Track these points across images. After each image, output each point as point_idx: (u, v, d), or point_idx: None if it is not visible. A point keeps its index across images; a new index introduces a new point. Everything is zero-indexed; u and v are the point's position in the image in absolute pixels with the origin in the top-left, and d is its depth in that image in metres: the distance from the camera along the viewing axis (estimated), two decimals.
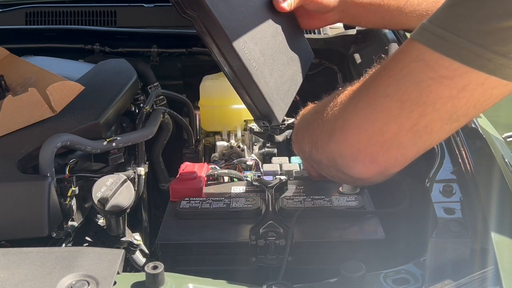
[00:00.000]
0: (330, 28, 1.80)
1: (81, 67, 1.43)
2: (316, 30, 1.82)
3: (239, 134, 1.51)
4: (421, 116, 0.78)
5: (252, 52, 1.06)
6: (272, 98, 1.09)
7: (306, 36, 1.72)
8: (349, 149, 0.84)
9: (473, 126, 1.13)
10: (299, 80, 1.25)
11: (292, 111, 1.24)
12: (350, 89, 0.89)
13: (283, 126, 1.48)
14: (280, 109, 1.13)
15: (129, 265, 1.26)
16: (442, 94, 0.75)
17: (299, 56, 1.27)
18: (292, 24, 1.29)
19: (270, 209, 1.02)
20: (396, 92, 0.79)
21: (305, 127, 0.97)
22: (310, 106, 1.04)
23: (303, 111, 1.04)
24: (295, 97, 1.26)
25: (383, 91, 0.80)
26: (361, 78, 0.88)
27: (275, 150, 1.52)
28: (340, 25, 1.83)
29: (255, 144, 1.54)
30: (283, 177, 1.16)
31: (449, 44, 0.74)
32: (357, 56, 1.55)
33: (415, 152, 0.83)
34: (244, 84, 1.07)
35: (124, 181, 1.13)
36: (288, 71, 1.20)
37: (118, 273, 0.77)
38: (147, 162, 1.36)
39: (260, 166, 1.28)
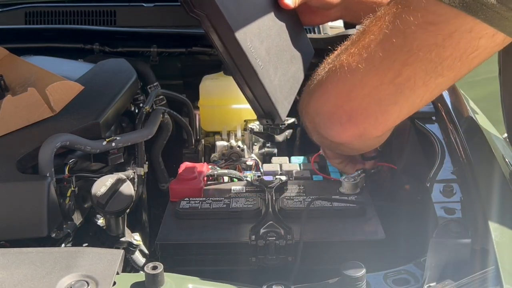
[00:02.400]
0: (330, 28, 1.80)
1: (80, 67, 1.43)
2: (316, 30, 1.82)
3: (239, 134, 1.51)
4: (404, 66, 0.73)
5: (258, 51, 1.05)
6: (276, 96, 1.09)
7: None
8: (326, 105, 0.79)
9: (473, 125, 1.13)
10: (301, 77, 1.25)
11: (293, 111, 1.24)
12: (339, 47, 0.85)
13: (283, 126, 1.48)
14: (283, 107, 1.12)
15: (129, 265, 1.26)
16: (427, 41, 0.71)
17: (301, 53, 1.27)
18: (294, 21, 1.29)
19: (270, 209, 1.02)
20: (379, 40, 0.75)
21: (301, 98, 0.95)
22: None
23: None
24: (296, 96, 1.26)
25: (366, 42, 0.76)
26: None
27: (275, 150, 1.52)
28: (340, 24, 1.83)
29: (255, 144, 1.54)
30: (283, 177, 1.16)
31: None
32: None
33: (396, 113, 0.78)
34: (249, 82, 1.06)
35: (124, 181, 1.13)
36: (291, 68, 1.19)
37: (117, 273, 0.77)
38: (146, 162, 1.36)
39: (260, 166, 1.28)
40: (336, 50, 0.88)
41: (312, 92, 0.82)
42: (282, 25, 1.20)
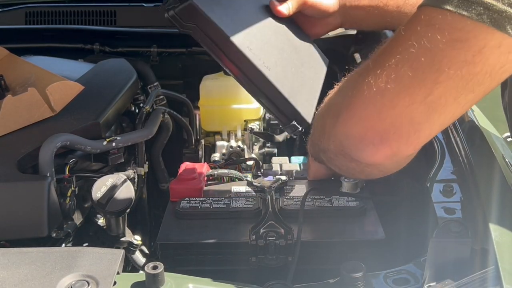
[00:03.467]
0: None
1: (80, 67, 1.43)
2: None
3: (239, 134, 1.51)
4: (435, 85, 0.72)
5: (261, 54, 1.04)
6: (295, 98, 1.06)
7: None
8: (357, 128, 0.78)
9: (473, 125, 1.13)
10: (319, 83, 1.23)
11: None
12: (357, 69, 0.84)
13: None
14: (306, 109, 1.09)
15: (129, 265, 1.26)
16: (456, 58, 0.70)
17: (313, 59, 1.26)
18: (299, 31, 1.29)
19: (270, 209, 1.02)
20: (406, 60, 0.73)
21: (316, 120, 0.94)
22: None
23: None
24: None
25: (393, 61, 0.74)
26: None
27: (275, 150, 1.52)
28: None
29: (255, 144, 1.54)
30: (283, 177, 1.16)
31: (462, 1, 0.68)
32: (357, 56, 1.55)
33: (428, 130, 0.77)
34: (261, 87, 1.03)
35: (124, 181, 1.13)
36: (306, 73, 1.18)
37: (118, 273, 0.77)
38: (147, 162, 1.36)
39: (260, 166, 1.28)
40: (348, 74, 0.87)
41: (338, 115, 0.81)
42: (286, 32, 1.20)
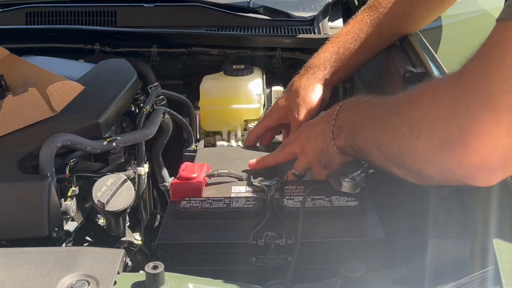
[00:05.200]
0: (330, 28, 1.80)
1: (81, 67, 1.43)
2: (316, 30, 1.82)
3: (239, 134, 1.51)
4: None
5: None
6: None
7: (306, 36, 1.73)
8: (473, 157, 0.75)
9: None
10: None
11: None
12: (435, 87, 0.82)
13: None
14: None
15: (129, 265, 1.26)
16: None
17: None
18: None
19: (270, 209, 1.02)
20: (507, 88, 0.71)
21: (375, 126, 0.93)
22: (367, 98, 1.01)
23: (356, 101, 1.03)
24: None
25: (500, 87, 0.72)
26: (442, 75, 0.82)
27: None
28: (340, 25, 1.83)
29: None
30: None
31: None
32: None
33: None
34: None
35: (124, 181, 1.13)
36: None
37: (118, 273, 0.77)
38: (147, 162, 1.36)
39: None
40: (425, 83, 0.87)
41: (443, 143, 0.78)
42: None
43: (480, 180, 0.78)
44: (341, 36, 1.39)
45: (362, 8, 1.42)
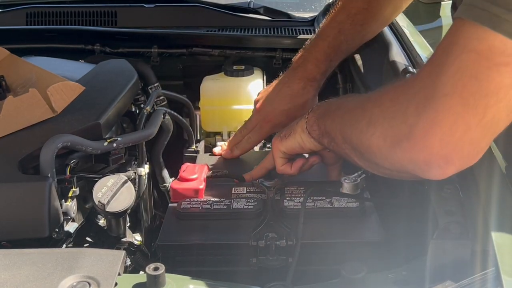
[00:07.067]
0: None
1: (81, 68, 1.43)
2: (316, 31, 1.81)
3: None
4: (486, 109, 0.74)
5: None
6: None
7: (306, 36, 1.73)
8: (421, 155, 0.80)
9: None
10: None
11: None
12: (395, 89, 0.86)
13: None
14: None
15: (130, 266, 1.26)
16: (503, 83, 0.72)
17: None
18: None
19: (271, 210, 1.02)
20: (454, 89, 0.75)
21: (343, 114, 0.96)
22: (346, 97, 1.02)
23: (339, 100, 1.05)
24: None
25: (441, 90, 0.76)
26: (402, 77, 0.85)
27: None
28: None
29: None
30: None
31: (500, 20, 0.69)
32: (357, 57, 1.55)
33: (486, 143, 0.80)
34: None
35: (125, 182, 1.13)
36: None
37: (119, 274, 0.77)
38: (147, 163, 1.36)
39: None
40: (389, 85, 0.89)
41: (396, 142, 0.82)
42: None
43: (432, 175, 0.82)
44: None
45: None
